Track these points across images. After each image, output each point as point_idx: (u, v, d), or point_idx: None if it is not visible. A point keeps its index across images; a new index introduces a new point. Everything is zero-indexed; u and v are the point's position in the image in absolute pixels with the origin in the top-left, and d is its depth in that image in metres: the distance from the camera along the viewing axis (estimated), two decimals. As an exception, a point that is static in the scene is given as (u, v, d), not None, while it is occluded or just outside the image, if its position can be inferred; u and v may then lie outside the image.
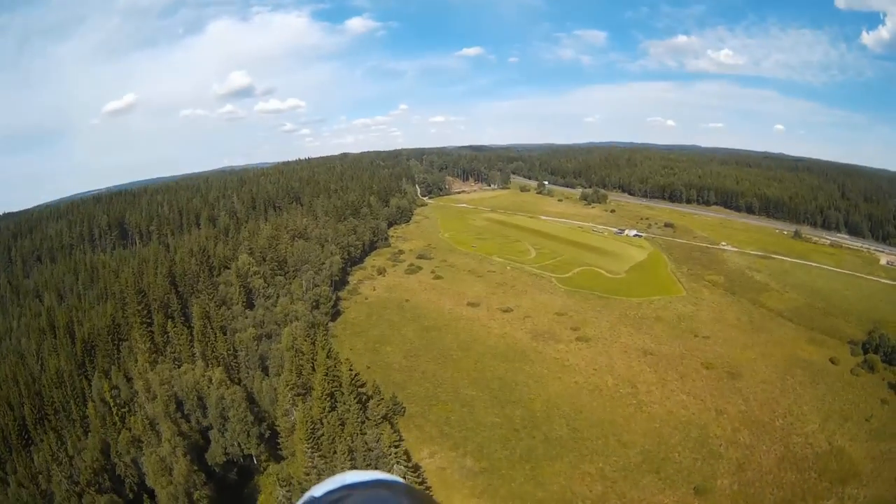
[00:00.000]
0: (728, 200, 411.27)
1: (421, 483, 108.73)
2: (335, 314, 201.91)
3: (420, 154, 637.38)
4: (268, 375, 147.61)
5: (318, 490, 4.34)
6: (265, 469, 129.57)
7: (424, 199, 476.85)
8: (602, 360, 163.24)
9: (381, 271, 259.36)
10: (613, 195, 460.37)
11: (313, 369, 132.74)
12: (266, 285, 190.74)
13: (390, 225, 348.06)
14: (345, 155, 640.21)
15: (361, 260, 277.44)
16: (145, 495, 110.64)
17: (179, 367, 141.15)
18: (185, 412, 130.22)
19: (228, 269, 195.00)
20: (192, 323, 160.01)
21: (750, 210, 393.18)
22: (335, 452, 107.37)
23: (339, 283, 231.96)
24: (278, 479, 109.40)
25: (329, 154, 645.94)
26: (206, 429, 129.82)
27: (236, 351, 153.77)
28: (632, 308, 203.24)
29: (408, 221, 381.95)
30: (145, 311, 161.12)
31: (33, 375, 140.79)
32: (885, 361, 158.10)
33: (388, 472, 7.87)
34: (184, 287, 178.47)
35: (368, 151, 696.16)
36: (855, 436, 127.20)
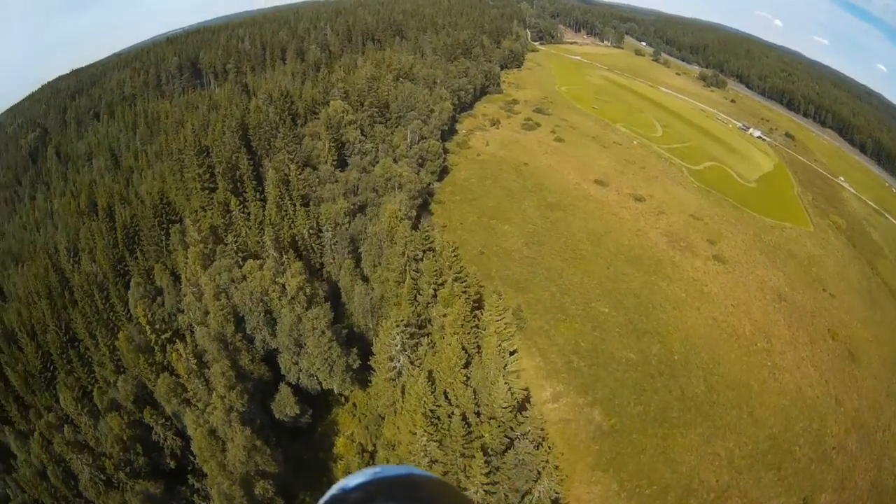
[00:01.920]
0: (843, 130, 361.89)
1: (542, 441, 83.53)
2: (442, 172, 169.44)
3: None
4: (359, 266, 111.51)
5: (350, 481, 4.20)
6: (348, 399, 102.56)
7: (535, 44, 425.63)
8: (740, 294, 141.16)
9: (495, 122, 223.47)
10: (731, 84, 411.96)
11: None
12: (363, 138, 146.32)
13: (501, 69, 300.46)
14: None
15: (471, 106, 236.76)
16: (190, 472, 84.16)
17: (244, 262, 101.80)
18: (248, 332, 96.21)
19: (316, 116, 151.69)
20: (265, 193, 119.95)
21: (863, 149, 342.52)
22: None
23: (447, 132, 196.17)
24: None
25: None
26: (273, 351, 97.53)
27: (320, 229, 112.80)
28: (765, 231, 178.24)
29: (519, 67, 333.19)
30: (207, 176, 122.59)
31: (65, 278, 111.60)
32: None
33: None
34: (258, 142, 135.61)
35: None
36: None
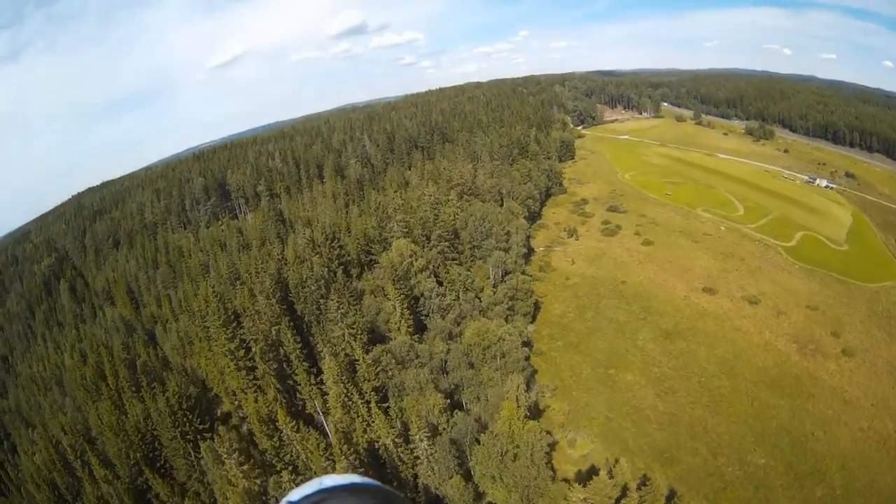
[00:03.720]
0: (890, 150, 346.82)
1: None
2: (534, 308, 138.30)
3: (560, 80, 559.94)
4: (471, 480, 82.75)
5: (294, 494, 4.24)
6: None
7: (579, 129, 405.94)
8: (875, 388, 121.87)
9: (571, 232, 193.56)
10: (777, 130, 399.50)
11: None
12: (439, 287, 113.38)
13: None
14: (478, 84, 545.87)
15: (539, 214, 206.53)
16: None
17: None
18: None
19: (374, 261, 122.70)
20: (323, 384, 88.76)
21: None
22: None
23: (525, 253, 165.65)
24: None
25: (452, 84, 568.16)
26: None
27: (408, 435, 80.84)
28: (873, 300, 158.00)
29: (573, 158, 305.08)
30: (241, 353, 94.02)
31: (76, 477, 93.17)
32: None
33: None
34: (304, 306, 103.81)
35: (496, 79, 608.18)
36: None
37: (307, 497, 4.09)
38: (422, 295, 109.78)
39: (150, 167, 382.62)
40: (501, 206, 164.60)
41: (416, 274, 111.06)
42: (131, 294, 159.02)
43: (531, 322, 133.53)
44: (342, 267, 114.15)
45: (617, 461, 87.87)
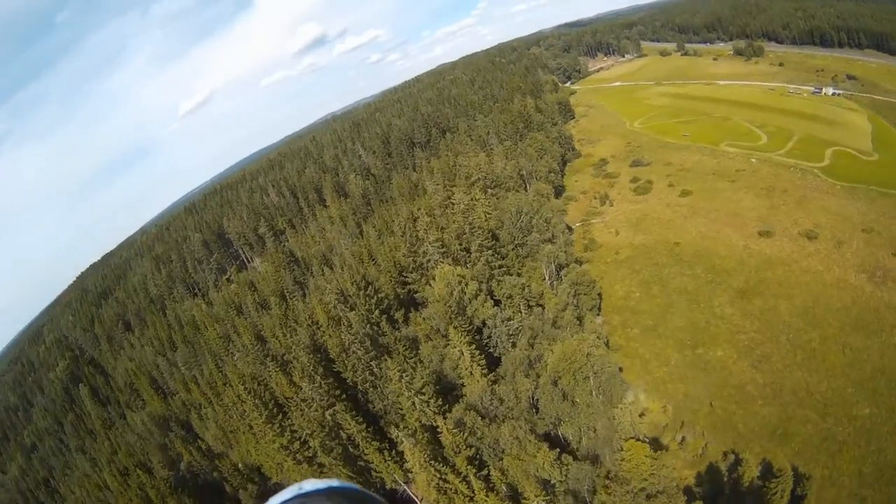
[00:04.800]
0: (880, 43, 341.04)
1: None
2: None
3: (534, 41, 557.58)
4: None
5: (275, 499, 4.15)
6: None
7: (568, 85, 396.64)
8: None
9: (603, 199, 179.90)
10: (765, 46, 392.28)
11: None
12: (500, 311, 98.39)
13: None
14: (452, 65, 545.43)
15: (562, 186, 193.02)
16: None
17: None
18: None
19: (415, 300, 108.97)
20: (403, 462, 75.42)
21: None
22: None
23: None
24: None
25: (425, 70, 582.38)
26: None
27: None
28: None
29: (574, 117, 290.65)
30: (296, 446, 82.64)
31: None
32: None
33: None
34: (353, 374, 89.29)
35: (467, 55, 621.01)
36: None
37: (285, 502, 4.04)
38: (483, 324, 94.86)
39: (145, 228, 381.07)
40: (526, 190, 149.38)
41: (470, 302, 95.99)
42: (155, 383, 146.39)
43: (598, 314, 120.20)
44: (384, 315, 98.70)
45: (737, 456, 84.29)
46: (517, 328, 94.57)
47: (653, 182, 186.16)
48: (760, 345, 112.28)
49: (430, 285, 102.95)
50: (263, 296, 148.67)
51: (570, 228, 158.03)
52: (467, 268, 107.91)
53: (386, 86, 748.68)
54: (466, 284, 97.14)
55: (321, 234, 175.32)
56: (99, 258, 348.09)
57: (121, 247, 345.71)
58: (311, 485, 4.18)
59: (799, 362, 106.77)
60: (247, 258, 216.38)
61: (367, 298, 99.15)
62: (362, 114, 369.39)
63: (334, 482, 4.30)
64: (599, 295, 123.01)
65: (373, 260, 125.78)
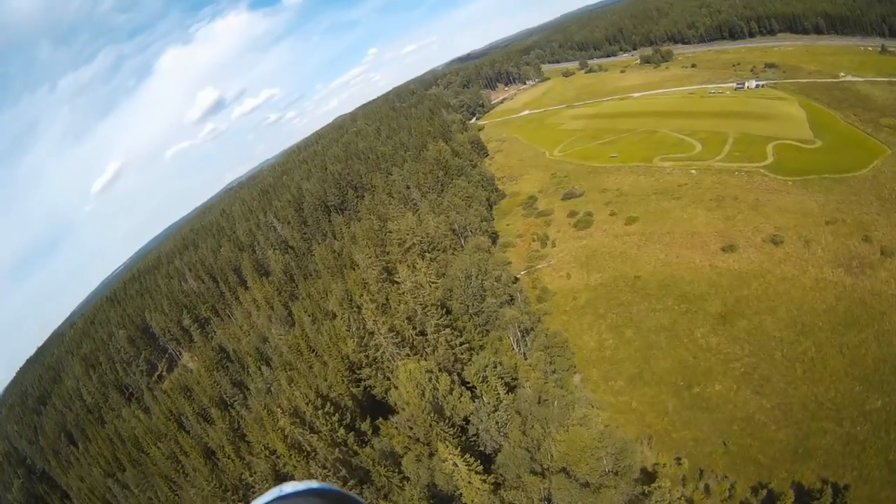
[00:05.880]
0: (792, 25, 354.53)
1: None
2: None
3: (430, 82, 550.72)
4: None
5: (257, 502, 4.28)
6: None
7: (473, 121, 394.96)
8: None
9: (544, 240, 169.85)
10: (674, 50, 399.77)
11: None
12: (474, 395, 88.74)
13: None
14: (351, 117, 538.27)
15: (494, 233, 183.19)
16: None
17: None
18: None
19: (368, 387, 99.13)
20: None
21: (818, 31, 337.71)
22: None
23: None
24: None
25: (324, 124, 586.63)
26: None
27: None
28: (874, 184, 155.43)
29: (488, 154, 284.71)
30: None
31: None
32: None
33: None
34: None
35: (363, 105, 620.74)
36: None
37: None
38: (466, 421, 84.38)
39: (72, 318, 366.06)
40: (463, 247, 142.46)
41: (445, 398, 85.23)
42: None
43: (574, 372, 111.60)
44: (351, 432, 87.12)
45: (767, 489, 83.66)
46: (505, 420, 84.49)
47: (592, 213, 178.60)
48: (757, 368, 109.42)
49: (394, 387, 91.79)
50: (202, 405, 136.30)
51: (515, 279, 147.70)
52: (427, 353, 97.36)
53: (286, 145, 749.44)
54: (437, 380, 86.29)
55: (248, 323, 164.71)
56: (34, 352, 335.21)
57: (51, 340, 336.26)
58: (291, 487, 4.31)
59: (801, 376, 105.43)
60: (175, 353, 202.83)
61: (328, 417, 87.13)
62: (268, 178, 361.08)
63: (314, 484, 4.43)
64: (572, 352, 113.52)
65: (313, 352, 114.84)
